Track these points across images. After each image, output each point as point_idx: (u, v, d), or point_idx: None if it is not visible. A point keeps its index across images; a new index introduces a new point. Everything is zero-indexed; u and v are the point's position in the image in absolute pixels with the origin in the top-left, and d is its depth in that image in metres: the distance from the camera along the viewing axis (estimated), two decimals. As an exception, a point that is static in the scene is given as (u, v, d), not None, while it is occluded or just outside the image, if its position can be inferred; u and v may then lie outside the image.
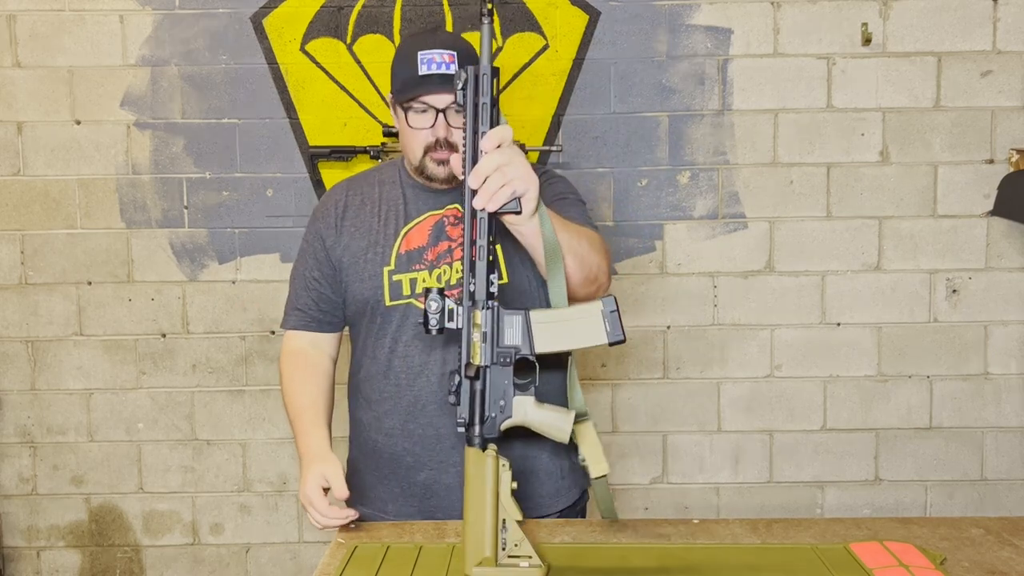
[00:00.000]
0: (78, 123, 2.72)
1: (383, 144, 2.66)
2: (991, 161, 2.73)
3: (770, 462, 2.82)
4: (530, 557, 1.30)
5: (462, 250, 1.50)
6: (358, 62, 2.69)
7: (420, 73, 1.64)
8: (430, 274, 1.69)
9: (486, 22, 1.32)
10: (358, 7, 2.68)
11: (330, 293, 1.77)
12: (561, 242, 1.44)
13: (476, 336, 1.33)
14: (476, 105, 1.33)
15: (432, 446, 1.70)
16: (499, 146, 1.32)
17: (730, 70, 2.72)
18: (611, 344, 1.37)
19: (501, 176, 1.31)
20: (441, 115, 1.64)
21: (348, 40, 2.69)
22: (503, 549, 1.31)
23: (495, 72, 1.33)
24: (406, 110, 1.67)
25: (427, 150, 1.67)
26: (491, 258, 1.33)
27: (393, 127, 2.60)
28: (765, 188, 2.75)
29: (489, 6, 1.32)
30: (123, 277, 2.76)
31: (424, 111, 1.65)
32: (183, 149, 2.73)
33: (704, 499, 2.82)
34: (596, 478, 1.45)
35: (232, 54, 2.70)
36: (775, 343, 2.79)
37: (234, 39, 2.70)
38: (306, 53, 2.69)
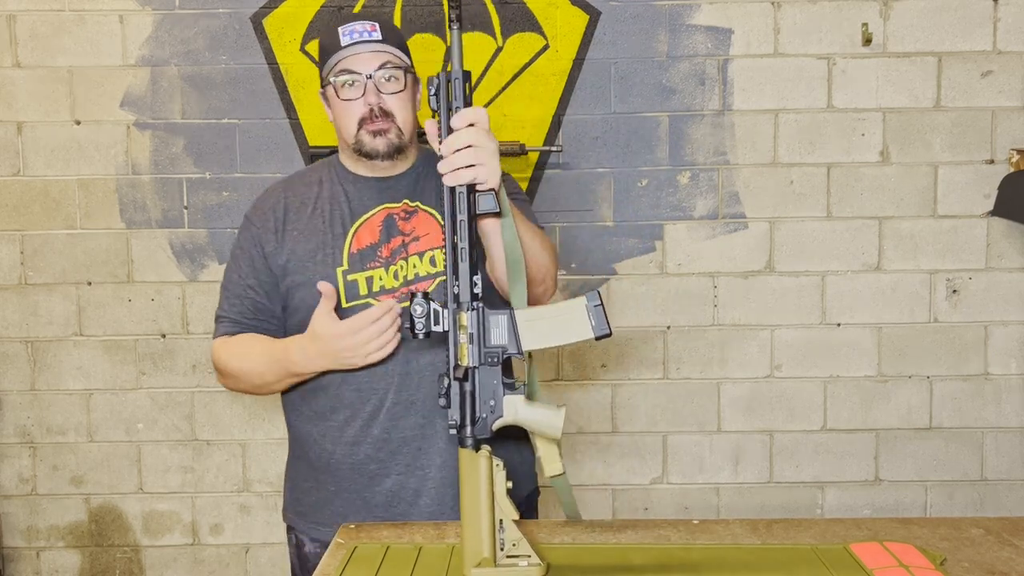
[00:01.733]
0: (78, 123, 2.72)
1: (383, 144, 2.66)
2: (991, 161, 2.73)
3: (770, 462, 2.82)
4: (529, 556, 1.30)
5: (417, 245, 1.58)
6: (358, 62, 2.69)
7: (342, 44, 1.65)
8: (387, 271, 1.66)
9: (455, 28, 1.32)
10: (358, 7, 2.67)
11: (266, 301, 1.72)
12: (523, 241, 1.45)
13: (463, 338, 1.32)
14: (449, 110, 1.34)
15: (397, 450, 1.67)
16: (471, 125, 1.33)
17: (730, 70, 2.72)
18: (597, 338, 1.37)
19: (471, 155, 1.32)
20: (370, 82, 1.63)
21: (348, 40, 2.69)
22: (501, 549, 1.30)
23: (467, 76, 1.33)
24: (336, 87, 1.65)
25: (361, 123, 1.65)
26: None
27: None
28: (765, 188, 2.74)
29: (457, 12, 1.32)
30: (123, 277, 2.76)
31: (352, 84, 1.64)
32: (183, 149, 2.73)
33: (704, 499, 2.82)
34: (552, 477, 1.44)
35: (232, 54, 2.70)
36: (775, 343, 2.79)
37: (234, 39, 2.70)
38: (306, 53, 2.69)
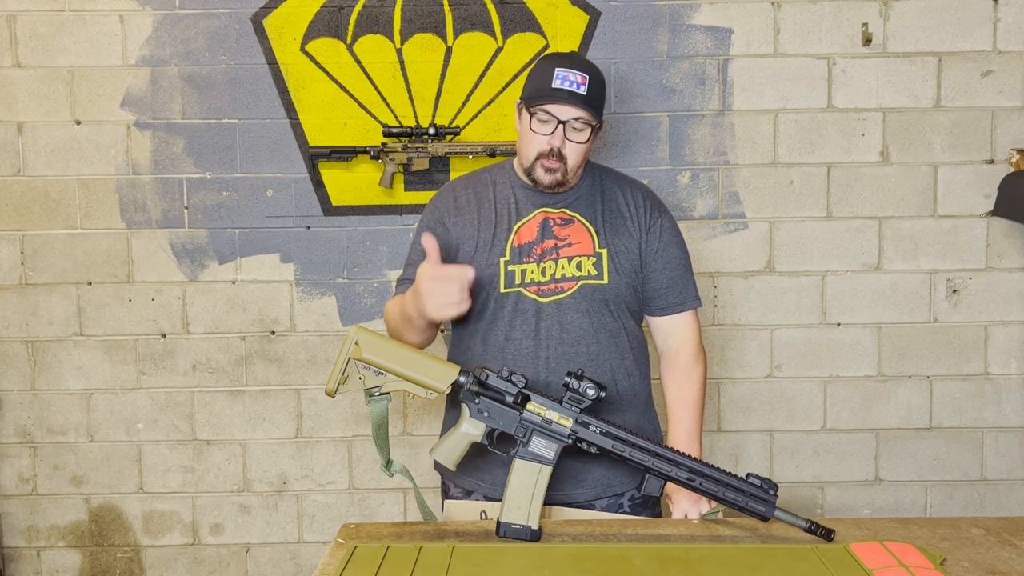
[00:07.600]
0: (78, 123, 2.72)
1: (383, 144, 2.66)
2: (991, 161, 2.73)
3: (770, 462, 2.82)
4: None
5: (568, 250, 1.88)
6: (358, 62, 2.69)
7: (553, 85, 1.85)
8: (537, 266, 1.89)
9: None
10: (358, 7, 2.67)
11: None
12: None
13: None
14: None
15: None
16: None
17: (730, 70, 2.72)
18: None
19: None
20: (561, 126, 1.85)
21: (348, 40, 2.69)
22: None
23: None
24: (532, 115, 1.86)
25: (539, 156, 1.87)
26: None
27: (394, 126, 2.63)
28: (765, 188, 2.75)
29: None
30: (123, 277, 2.76)
31: (547, 121, 1.85)
32: (183, 149, 2.73)
33: (704, 499, 2.82)
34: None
35: (232, 54, 2.70)
36: (775, 343, 2.79)
37: (234, 39, 2.70)
38: (306, 53, 2.69)
